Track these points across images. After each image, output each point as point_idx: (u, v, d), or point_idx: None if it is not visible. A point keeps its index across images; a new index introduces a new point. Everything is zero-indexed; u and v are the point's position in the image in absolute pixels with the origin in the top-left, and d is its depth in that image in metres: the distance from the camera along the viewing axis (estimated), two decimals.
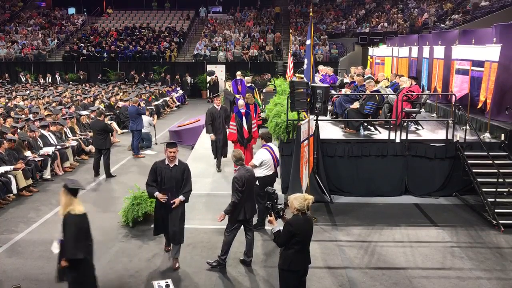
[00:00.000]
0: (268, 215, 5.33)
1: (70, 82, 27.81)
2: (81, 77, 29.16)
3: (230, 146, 11.51)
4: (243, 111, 11.16)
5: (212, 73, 27.88)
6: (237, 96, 15.38)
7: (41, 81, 28.97)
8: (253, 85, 15.99)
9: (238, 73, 17.14)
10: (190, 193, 7.09)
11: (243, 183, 6.75)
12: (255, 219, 8.42)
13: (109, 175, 11.87)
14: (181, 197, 6.93)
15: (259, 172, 8.16)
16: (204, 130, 15.95)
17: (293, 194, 5.20)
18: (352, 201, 9.94)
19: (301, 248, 5.14)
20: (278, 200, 5.45)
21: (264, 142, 8.46)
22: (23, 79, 29.04)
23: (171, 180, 6.92)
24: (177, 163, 6.99)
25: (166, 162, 6.99)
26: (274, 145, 8.69)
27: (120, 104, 18.99)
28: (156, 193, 6.94)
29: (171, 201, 6.88)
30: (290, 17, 34.57)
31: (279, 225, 5.27)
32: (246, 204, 6.90)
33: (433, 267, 7.16)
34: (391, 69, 18.23)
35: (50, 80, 28.92)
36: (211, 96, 27.17)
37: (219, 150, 11.73)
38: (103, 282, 6.73)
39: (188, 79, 28.99)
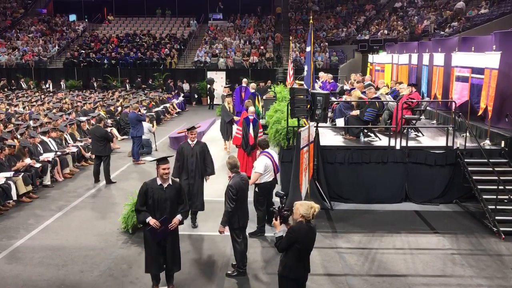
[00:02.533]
0: (274, 219, 5.31)
1: (70, 90, 27.90)
2: (96, 84, 29.12)
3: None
4: (251, 117, 11.16)
5: (211, 81, 27.89)
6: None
7: (43, 87, 29.02)
8: (256, 92, 15.95)
9: (244, 80, 16.97)
10: (187, 213, 6.47)
11: (237, 191, 6.72)
12: (254, 226, 8.44)
13: (109, 181, 11.86)
14: (178, 216, 6.27)
15: (259, 179, 8.16)
16: (204, 135, 16.03)
17: (299, 201, 5.20)
18: (352, 208, 9.93)
19: (302, 256, 5.12)
20: (286, 205, 5.41)
21: (262, 149, 8.47)
22: (24, 86, 29.11)
23: (166, 202, 6.18)
24: (170, 182, 6.26)
25: (159, 181, 6.20)
26: (273, 151, 8.70)
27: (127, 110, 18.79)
28: (149, 219, 6.12)
29: (169, 226, 6.18)
30: (290, 24, 34.70)
31: (282, 231, 5.23)
32: (240, 212, 6.88)
33: (434, 275, 7.14)
34: (391, 76, 18.27)
35: (51, 87, 28.92)
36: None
37: (191, 198, 8.67)
38: None
39: (187, 85, 29.06)
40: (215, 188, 10.20)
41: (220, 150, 14.12)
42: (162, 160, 6.19)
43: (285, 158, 10.06)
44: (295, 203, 5.15)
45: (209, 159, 8.82)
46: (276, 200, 5.82)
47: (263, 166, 8.14)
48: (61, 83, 29.36)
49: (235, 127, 12.53)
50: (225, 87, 17.50)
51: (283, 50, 31.45)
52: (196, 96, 28.60)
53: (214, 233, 8.30)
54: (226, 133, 14.30)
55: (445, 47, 13.46)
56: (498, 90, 10.26)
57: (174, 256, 6.40)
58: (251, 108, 11.48)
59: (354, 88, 13.86)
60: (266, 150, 8.44)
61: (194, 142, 8.76)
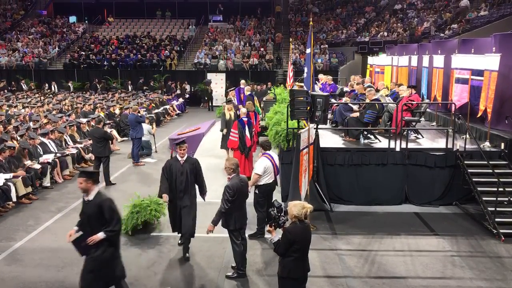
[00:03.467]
0: (268, 226, 5.35)
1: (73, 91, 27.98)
2: (99, 85, 29.13)
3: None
4: (245, 119, 11.14)
5: (209, 82, 27.83)
6: (240, 106, 15.03)
7: (45, 89, 29.00)
8: (253, 92, 15.94)
9: (243, 81, 16.95)
10: (115, 234, 5.71)
11: (234, 192, 6.70)
12: (254, 228, 8.44)
13: (108, 183, 11.84)
14: (99, 234, 5.59)
15: (259, 180, 8.16)
16: (205, 137, 16.01)
17: (293, 201, 5.23)
18: (352, 210, 9.93)
19: (300, 255, 5.15)
20: (283, 213, 5.41)
21: (263, 151, 8.47)
22: (24, 87, 29.13)
23: (85, 217, 5.77)
24: (90, 198, 5.69)
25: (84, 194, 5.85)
26: (274, 153, 8.70)
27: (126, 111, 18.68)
28: (73, 228, 5.88)
29: (87, 241, 5.62)
30: (290, 26, 34.75)
31: (277, 235, 5.28)
32: (236, 213, 6.86)
33: (434, 277, 7.13)
34: (390, 78, 18.26)
35: (55, 89, 28.89)
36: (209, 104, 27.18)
37: (179, 222, 7.74)
38: None
39: (188, 87, 29.07)
40: (215, 189, 10.19)
41: (220, 156, 14.02)
42: (80, 174, 5.82)
43: (285, 160, 10.06)
44: (288, 204, 5.23)
45: (201, 178, 7.78)
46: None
47: (262, 167, 8.14)
48: (69, 84, 29.36)
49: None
50: (230, 91, 17.27)
51: (283, 52, 31.49)
52: (206, 98, 28.48)
53: (213, 235, 8.28)
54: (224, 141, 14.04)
55: (445, 49, 13.47)
56: (498, 92, 10.26)
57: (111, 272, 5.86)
58: (243, 110, 11.50)
59: (354, 90, 13.87)
60: (268, 151, 8.45)
61: (184, 159, 7.61)
